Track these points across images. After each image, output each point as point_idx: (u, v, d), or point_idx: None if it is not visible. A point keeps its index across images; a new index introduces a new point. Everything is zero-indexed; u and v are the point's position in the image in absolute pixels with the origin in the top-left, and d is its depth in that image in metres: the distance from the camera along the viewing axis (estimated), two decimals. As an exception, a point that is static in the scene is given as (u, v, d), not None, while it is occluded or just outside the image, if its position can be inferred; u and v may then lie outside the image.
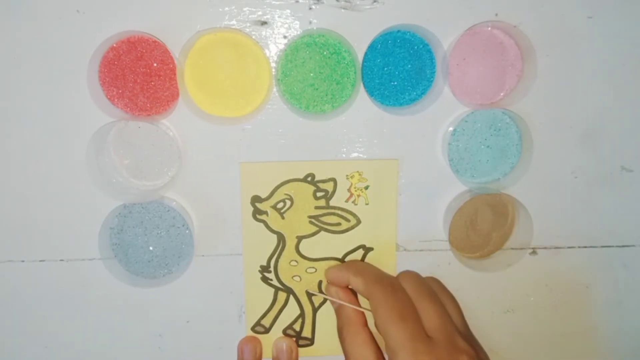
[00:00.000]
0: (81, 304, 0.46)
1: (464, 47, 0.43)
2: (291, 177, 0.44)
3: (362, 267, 0.43)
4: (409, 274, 0.43)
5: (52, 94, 0.42)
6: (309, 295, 0.46)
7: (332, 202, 0.45)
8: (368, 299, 0.40)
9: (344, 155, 0.45)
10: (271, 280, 0.46)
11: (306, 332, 0.47)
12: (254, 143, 0.44)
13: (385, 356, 0.38)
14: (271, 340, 0.46)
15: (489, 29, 0.44)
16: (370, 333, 0.40)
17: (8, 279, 0.45)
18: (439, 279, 0.46)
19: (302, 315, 0.47)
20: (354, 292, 0.44)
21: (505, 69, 0.44)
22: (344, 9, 0.42)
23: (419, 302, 0.39)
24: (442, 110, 0.44)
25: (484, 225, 0.47)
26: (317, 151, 0.45)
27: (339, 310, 0.42)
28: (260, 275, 0.46)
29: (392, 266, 0.46)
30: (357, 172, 0.45)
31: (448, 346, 0.36)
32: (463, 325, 0.40)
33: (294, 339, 0.47)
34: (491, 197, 0.46)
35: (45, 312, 0.46)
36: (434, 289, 0.41)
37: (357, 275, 0.41)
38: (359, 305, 0.42)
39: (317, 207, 0.45)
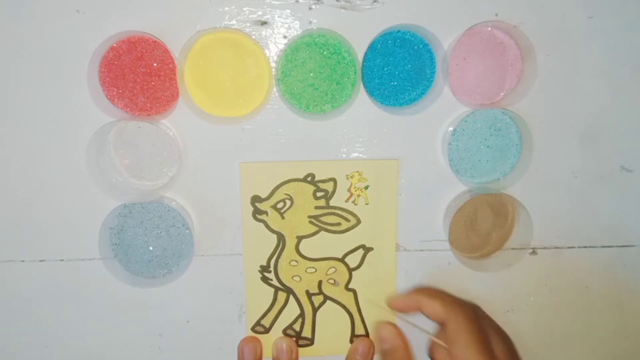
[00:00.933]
0: (81, 304, 0.46)
1: (464, 47, 0.43)
2: (291, 177, 0.44)
3: (436, 291, 0.42)
4: (469, 305, 0.41)
5: (52, 94, 0.42)
6: (309, 295, 0.46)
7: (332, 202, 0.45)
8: (446, 322, 0.38)
9: (344, 155, 0.45)
10: (271, 280, 0.46)
11: (306, 332, 0.47)
12: (254, 143, 0.44)
13: None
14: (271, 340, 0.46)
15: (489, 29, 0.44)
16: None
17: (8, 279, 0.45)
18: (439, 279, 0.46)
19: (302, 315, 0.47)
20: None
21: (505, 69, 0.44)
22: (344, 9, 0.42)
23: (491, 334, 0.38)
24: (442, 110, 0.44)
25: (484, 225, 0.47)
26: (317, 151, 0.45)
27: (389, 353, 0.41)
28: (260, 275, 0.46)
29: (392, 266, 0.46)
30: (357, 172, 0.45)
31: None
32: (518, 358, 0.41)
33: (294, 338, 0.47)
34: (491, 197, 0.46)
35: (45, 312, 0.46)
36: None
37: (432, 298, 0.39)
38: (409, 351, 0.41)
39: (317, 207, 0.45)
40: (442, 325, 0.40)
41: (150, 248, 0.45)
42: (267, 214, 0.45)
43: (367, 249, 0.46)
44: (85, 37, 0.41)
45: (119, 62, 0.43)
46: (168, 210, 0.44)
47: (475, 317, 0.38)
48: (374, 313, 0.46)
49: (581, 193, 0.47)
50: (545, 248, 0.47)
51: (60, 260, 0.45)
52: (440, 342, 0.39)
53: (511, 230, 0.47)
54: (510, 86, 0.45)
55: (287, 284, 0.46)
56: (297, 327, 0.47)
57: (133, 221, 0.45)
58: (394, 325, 0.43)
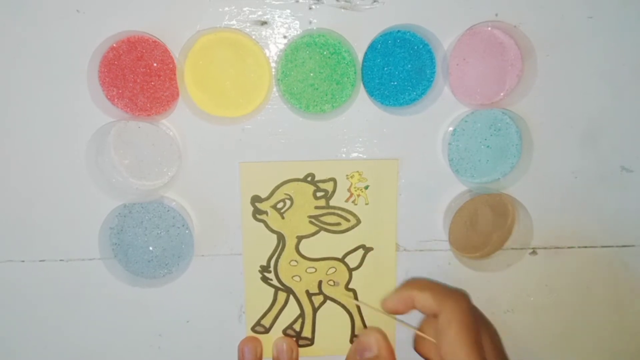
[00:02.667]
0: (81, 304, 0.46)
1: (464, 47, 0.43)
2: (291, 177, 0.45)
3: (426, 282, 0.41)
4: (462, 295, 0.39)
5: (52, 94, 0.42)
6: (309, 295, 0.46)
7: (332, 202, 0.45)
8: (437, 313, 0.37)
9: (344, 155, 0.45)
10: (271, 280, 0.46)
11: (306, 332, 0.47)
12: (254, 143, 0.44)
13: None
14: (271, 340, 0.46)
15: (489, 29, 0.44)
16: None
17: (8, 279, 0.45)
18: (439, 279, 0.46)
19: (302, 315, 0.47)
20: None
21: (505, 69, 0.44)
22: (344, 9, 0.42)
23: (482, 330, 0.38)
24: (442, 110, 0.44)
25: (484, 225, 0.47)
26: (317, 151, 0.45)
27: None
28: (260, 275, 0.46)
29: (392, 266, 0.46)
30: (357, 172, 0.45)
31: None
32: (505, 356, 0.41)
33: (294, 338, 0.47)
34: (491, 197, 0.46)
35: (45, 312, 0.46)
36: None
37: (423, 291, 0.38)
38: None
39: (317, 207, 0.45)
40: (434, 316, 0.38)
41: (150, 248, 0.45)
42: (267, 214, 0.45)
43: (367, 249, 0.46)
44: (85, 37, 0.41)
45: (119, 62, 0.43)
46: (168, 210, 0.44)
47: (469, 308, 0.37)
48: (374, 313, 0.46)
49: (581, 193, 0.47)
50: (545, 248, 0.47)
51: (60, 260, 0.45)
52: (427, 337, 0.38)
53: (511, 230, 0.47)
54: (510, 86, 0.45)
55: (287, 284, 0.46)
56: (297, 327, 0.47)
57: (133, 221, 0.45)
58: (379, 332, 0.41)
